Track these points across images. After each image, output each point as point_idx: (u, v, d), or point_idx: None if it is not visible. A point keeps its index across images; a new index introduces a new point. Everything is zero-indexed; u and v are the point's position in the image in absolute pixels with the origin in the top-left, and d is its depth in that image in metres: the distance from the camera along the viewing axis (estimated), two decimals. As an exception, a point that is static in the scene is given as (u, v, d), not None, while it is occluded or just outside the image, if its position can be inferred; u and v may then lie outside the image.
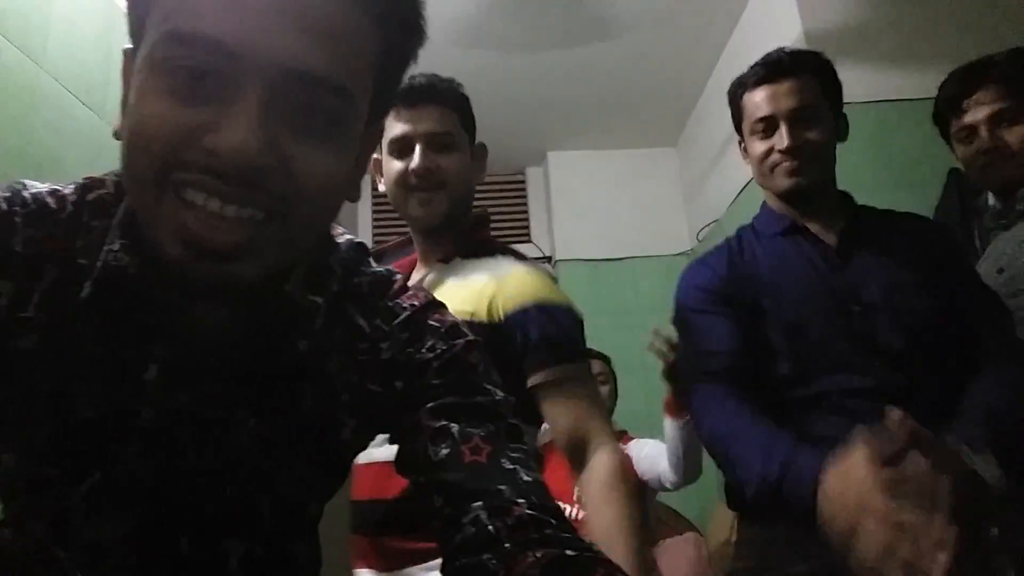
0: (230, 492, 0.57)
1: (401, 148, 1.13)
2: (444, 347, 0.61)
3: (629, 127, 3.86)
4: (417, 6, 0.54)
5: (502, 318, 1.06)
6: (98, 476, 0.53)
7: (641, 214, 3.99)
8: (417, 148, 1.11)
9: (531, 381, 1.04)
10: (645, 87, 3.35)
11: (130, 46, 0.51)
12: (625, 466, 1.02)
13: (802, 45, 2.46)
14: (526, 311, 1.06)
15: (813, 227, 1.20)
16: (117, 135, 0.49)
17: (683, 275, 1.26)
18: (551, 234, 4.06)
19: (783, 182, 1.19)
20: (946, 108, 1.40)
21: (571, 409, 1.04)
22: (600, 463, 0.99)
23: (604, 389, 2.20)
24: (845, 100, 2.36)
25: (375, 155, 1.19)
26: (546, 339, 1.05)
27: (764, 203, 1.28)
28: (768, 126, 1.18)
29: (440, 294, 0.91)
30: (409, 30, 0.54)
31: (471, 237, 1.17)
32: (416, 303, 0.64)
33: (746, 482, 0.97)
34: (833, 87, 1.23)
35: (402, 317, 0.63)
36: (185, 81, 0.45)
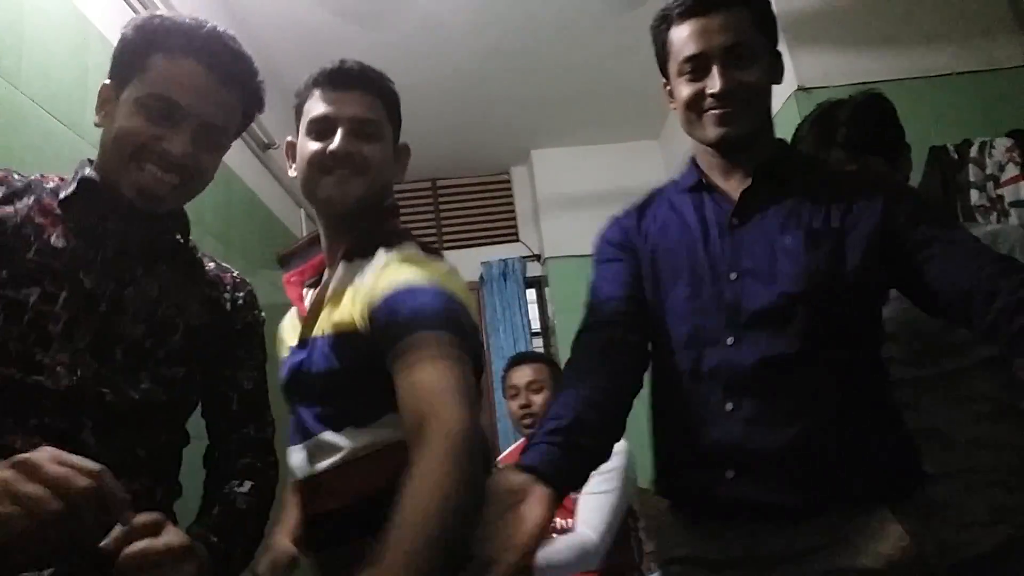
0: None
1: (321, 130, 1.04)
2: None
3: (611, 122, 3.87)
4: (260, 93, 1.04)
5: (368, 320, 0.92)
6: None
7: (627, 208, 3.99)
8: (339, 131, 1.02)
9: (391, 368, 0.87)
10: (624, 81, 3.36)
11: (108, 81, 0.97)
12: (465, 449, 0.76)
13: (779, 33, 2.48)
14: (387, 300, 0.90)
15: (730, 183, 1.07)
16: (98, 124, 0.97)
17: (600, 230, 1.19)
18: (539, 232, 4.06)
19: (712, 131, 1.04)
20: None
21: (413, 382, 0.82)
22: (428, 445, 0.75)
23: (538, 397, 2.12)
24: (822, 84, 2.41)
25: (288, 138, 1.13)
26: (398, 317, 0.88)
27: (691, 156, 1.16)
28: (697, 66, 1.03)
29: (339, 308, 0.99)
30: (255, 103, 1.05)
31: (378, 228, 1.06)
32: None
33: None
34: (768, 20, 1.07)
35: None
36: (155, 113, 0.92)
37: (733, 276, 1.00)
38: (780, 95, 2.48)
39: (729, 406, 0.96)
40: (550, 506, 0.83)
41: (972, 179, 2.18)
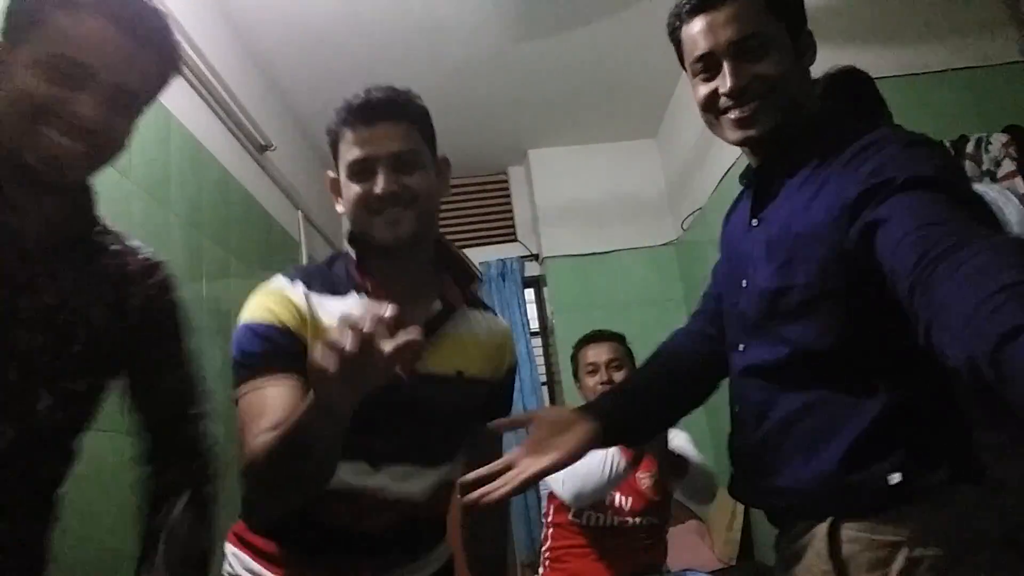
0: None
1: (361, 171, 1.03)
2: None
3: (608, 121, 3.87)
4: (176, 52, 0.95)
5: (495, 386, 1.22)
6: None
7: (625, 206, 4.00)
8: (380, 170, 1.01)
9: None
10: (621, 80, 3.36)
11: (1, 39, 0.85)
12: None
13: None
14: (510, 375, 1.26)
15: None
16: None
17: None
18: (537, 232, 4.06)
19: (731, 135, 0.98)
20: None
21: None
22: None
23: (618, 375, 2.15)
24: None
25: (331, 174, 1.11)
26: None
27: None
28: (708, 65, 0.97)
29: (467, 356, 1.14)
30: (171, 63, 0.95)
31: (462, 272, 1.17)
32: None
33: None
34: (785, 4, 0.98)
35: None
36: (58, 74, 0.81)
37: (744, 284, 0.99)
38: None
39: (736, 408, 1.05)
40: (587, 440, 0.96)
41: (969, 175, 2.18)
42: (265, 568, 1.04)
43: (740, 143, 0.99)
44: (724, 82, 0.95)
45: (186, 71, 2.24)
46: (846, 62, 2.46)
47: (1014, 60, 2.47)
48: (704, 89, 0.99)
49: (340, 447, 0.86)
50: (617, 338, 2.26)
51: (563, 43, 3.07)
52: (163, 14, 0.92)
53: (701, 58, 0.98)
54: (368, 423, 0.89)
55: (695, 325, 1.19)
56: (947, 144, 2.24)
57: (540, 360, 4.14)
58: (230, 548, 1.09)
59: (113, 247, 0.97)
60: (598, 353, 2.20)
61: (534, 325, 4.16)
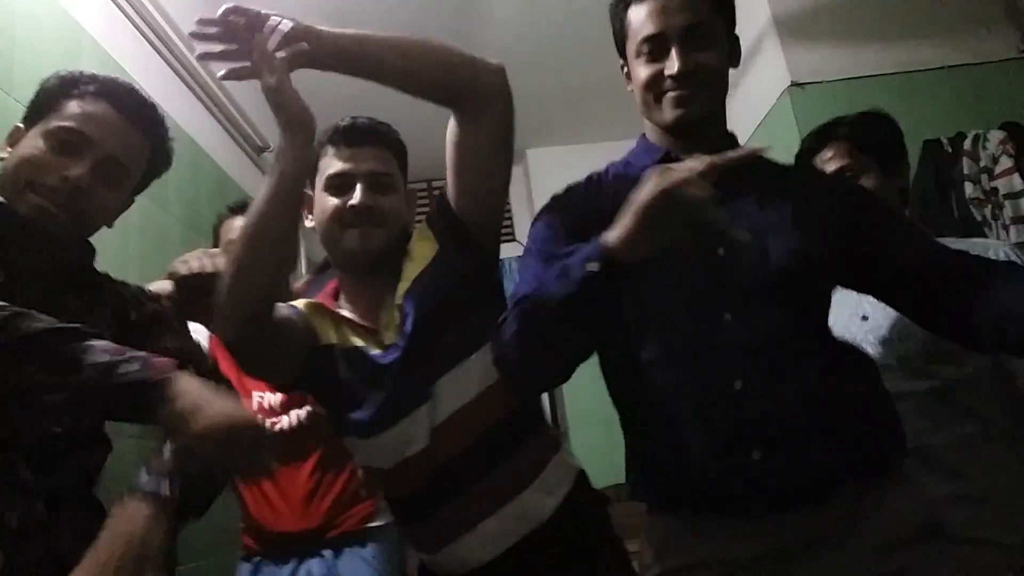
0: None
1: (340, 185, 1.10)
2: None
3: (605, 119, 3.86)
4: (168, 148, 1.09)
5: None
6: None
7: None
8: (358, 186, 1.09)
9: None
10: (619, 79, 3.35)
11: (21, 124, 0.99)
12: None
13: (771, 29, 2.48)
14: None
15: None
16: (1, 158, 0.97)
17: (538, 211, 1.13)
18: (535, 231, 4.06)
19: (671, 113, 1.02)
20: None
21: None
22: None
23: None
24: (815, 80, 2.42)
25: (307, 191, 1.15)
26: None
27: (642, 135, 1.15)
28: (655, 47, 1.01)
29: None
30: (162, 156, 1.09)
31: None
32: None
33: (550, 304, 0.88)
34: (727, 2, 1.05)
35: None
36: (60, 143, 0.94)
37: (721, 252, 0.95)
38: (774, 91, 2.48)
39: (738, 384, 0.90)
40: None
41: (966, 172, 2.18)
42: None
43: (676, 122, 1.02)
44: (672, 65, 0.99)
45: (183, 72, 2.24)
46: (845, 59, 2.48)
47: (1011, 57, 2.47)
48: (647, 71, 1.02)
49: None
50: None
51: (562, 42, 3.07)
52: (161, 114, 1.05)
53: (649, 39, 1.01)
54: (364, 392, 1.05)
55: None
56: (945, 141, 2.24)
57: (539, 360, 4.13)
58: None
59: (109, 284, 1.06)
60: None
61: (533, 325, 4.17)
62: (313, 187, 1.15)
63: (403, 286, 1.09)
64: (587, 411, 3.55)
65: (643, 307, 0.97)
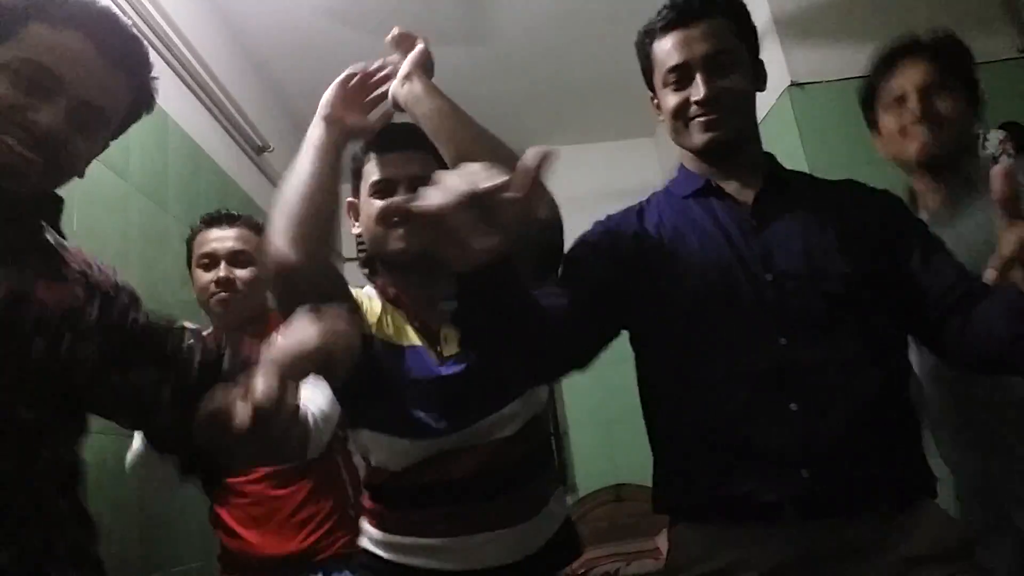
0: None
1: (384, 190, 1.15)
2: None
3: (606, 120, 3.87)
4: (151, 86, 0.93)
5: None
6: None
7: (623, 206, 3.98)
8: (400, 189, 1.14)
9: None
10: (619, 79, 3.36)
11: None
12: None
13: (771, 29, 2.48)
14: None
15: (729, 187, 1.09)
16: None
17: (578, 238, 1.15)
18: (535, 231, 4.06)
19: (699, 137, 1.07)
20: (876, 78, 1.39)
21: None
22: None
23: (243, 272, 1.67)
24: (815, 80, 2.42)
25: (349, 198, 1.22)
26: None
27: (681, 165, 1.18)
28: (681, 76, 1.07)
29: None
30: (145, 96, 0.93)
31: None
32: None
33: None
34: (748, 29, 1.11)
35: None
36: (24, 80, 0.79)
37: (769, 277, 0.99)
38: (773, 91, 2.48)
39: (793, 406, 0.94)
40: None
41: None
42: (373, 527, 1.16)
43: (706, 145, 1.07)
44: (697, 91, 1.04)
45: (184, 73, 2.24)
46: (845, 59, 2.48)
47: (1011, 56, 2.47)
48: (675, 99, 1.08)
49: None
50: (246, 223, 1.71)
51: (561, 43, 3.07)
52: (143, 43, 0.90)
53: (674, 68, 1.07)
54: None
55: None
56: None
57: (539, 360, 4.13)
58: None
59: (72, 253, 0.93)
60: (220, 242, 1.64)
61: (533, 325, 4.16)
62: (358, 194, 1.20)
63: None
64: (587, 413, 3.55)
65: (696, 330, 1.00)
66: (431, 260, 1.08)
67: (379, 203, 1.15)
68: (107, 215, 1.69)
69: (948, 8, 2.50)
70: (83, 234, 1.50)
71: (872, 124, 1.41)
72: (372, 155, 1.18)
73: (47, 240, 0.88)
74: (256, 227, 1.64)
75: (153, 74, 0.92)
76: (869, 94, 1.40)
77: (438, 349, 1.14)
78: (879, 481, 0.93)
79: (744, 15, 1.11)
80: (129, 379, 0.88)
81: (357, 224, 1.22)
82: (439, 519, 1.09)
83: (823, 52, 2.46)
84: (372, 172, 1.17)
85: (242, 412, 0.71)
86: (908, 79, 1.32)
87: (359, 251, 1.26)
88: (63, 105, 0.80)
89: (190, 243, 1.68)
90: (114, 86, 0.86)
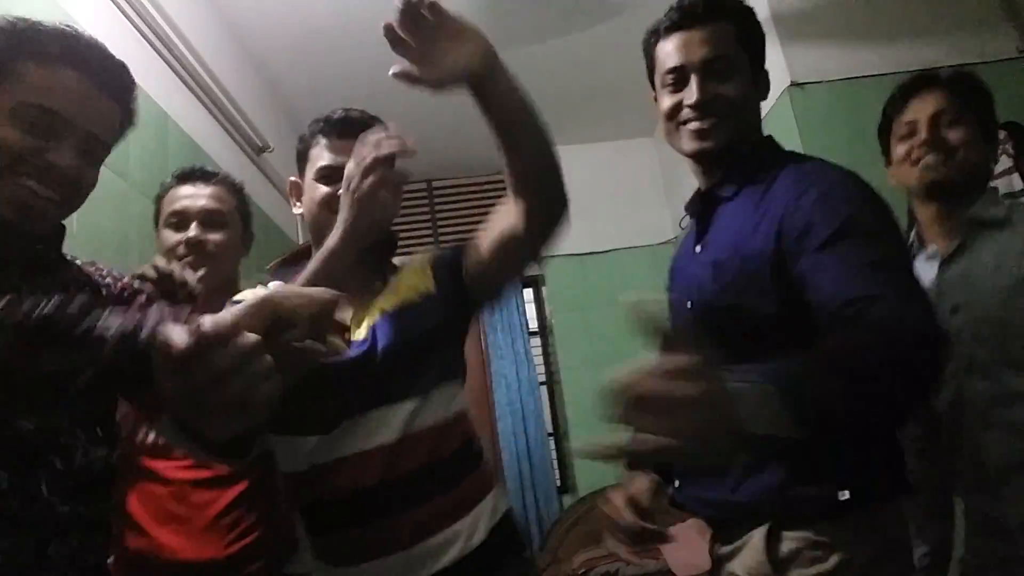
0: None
1: (331, 176, 1.13)
2: None
3: (606, 120, 3.87)
4: (135, 105, 0.97)
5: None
6: None
7: (624, 205, 4.00)
8: None
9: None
10: (619, 79, 3.36)
11: None
12: None
13: (771, 29, 2.48)
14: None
15: (723, 192, 1.07)
16: None
17: None
18: (535, 231, 4.06)
19: (687, 144, 1.06)
20: (891, 109, 1.41)
21: None
22: None
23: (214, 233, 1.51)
24: (815, 80, 2.42)
25: (292, 178, 1.21)
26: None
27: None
28: (678, 78, 1.06)
29: (396, 293, 1.16)
30: (129, 115, 0.97)
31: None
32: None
33: None
34: (754, 37, 1.09)
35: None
36: (33, 124, 0.84)
37: (688, 306, 1.05)
38: (773, 91, 2.47)
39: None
40: None
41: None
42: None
43: (695, 153, 1.07)
44: (690, 95, 1.04)
45: (183, 73, 2.24)
46: (845, 59, 2.48)
47: (1010, 57, 2.47)
48: (670, 100, 1.07)
49: None
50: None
51: (561, 43, 3.07)
52: (128, 69, 0.96)
53: (672, 71, 1.06)
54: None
55: None
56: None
57: (539, 360, 4.14)
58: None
59: (74, 264, 1.00)
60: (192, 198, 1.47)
61: (533, 325, 4.16)
62: (303, 176, 1.18)
63: (390, 299, 1.12)
64: (587, 413, 3.56)
65: None
66: (368, 252, 1.11)
67: (325, 188, 1.13)
68: (107, 215, 1.69)
69: (948, 9, 2.50)
70: (83, 234, 1.50)
71: (886, 154, 1.43)
72: (321, 139, 1.15)
73: (50, 260, 0.94)
74: (235, 188, 1.54)
75: (136, 91, 0.98)
76: (885, 126, 1.42)
77: (345, 336, 1.09)
78: (740, 508, 0.97)
79: (750, 21, 1.09)
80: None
81: (299, 205, 1.20)
82: (359, 541, 1.03)
83: (823, 52, 2.46)
84: (320, 157, 1.15)
85: (179, 333, 0.54)
86: (921, 109, 1.34)
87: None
88: (73, 143, 0.87)
89: (159, 200, 1.48)
90: (111, 115, 0.93)
